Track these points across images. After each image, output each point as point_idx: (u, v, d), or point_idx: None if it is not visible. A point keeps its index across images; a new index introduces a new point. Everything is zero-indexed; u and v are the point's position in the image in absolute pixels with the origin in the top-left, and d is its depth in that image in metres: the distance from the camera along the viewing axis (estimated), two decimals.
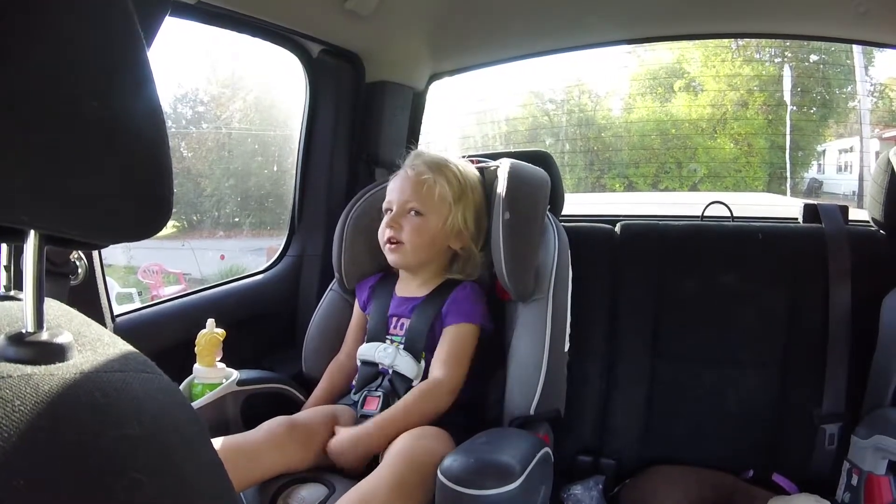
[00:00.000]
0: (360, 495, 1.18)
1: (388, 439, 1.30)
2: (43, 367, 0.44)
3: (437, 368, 1.43)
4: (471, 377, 1.49)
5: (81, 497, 0.39)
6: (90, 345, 0.50)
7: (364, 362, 1.51)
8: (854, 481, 1.56)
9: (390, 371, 1.47)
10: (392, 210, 1.52)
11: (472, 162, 1.64)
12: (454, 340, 1.45)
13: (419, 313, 1.50)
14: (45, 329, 0.47)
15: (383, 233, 1.53)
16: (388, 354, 1.47)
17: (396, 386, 1.45)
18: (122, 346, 0.52)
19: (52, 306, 0.55)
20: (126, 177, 0.47)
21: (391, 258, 1.53)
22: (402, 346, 1.48)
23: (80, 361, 0.47)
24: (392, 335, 1.52)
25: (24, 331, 0.47)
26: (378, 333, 1.53)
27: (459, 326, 1.46)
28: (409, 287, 1.56)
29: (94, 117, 0.44)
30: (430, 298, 1.51)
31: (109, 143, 0.45)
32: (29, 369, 0.43)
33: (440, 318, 1.48)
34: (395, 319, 1.53)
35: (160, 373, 0.51)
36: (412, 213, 1.50)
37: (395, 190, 1.54)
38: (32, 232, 0.47)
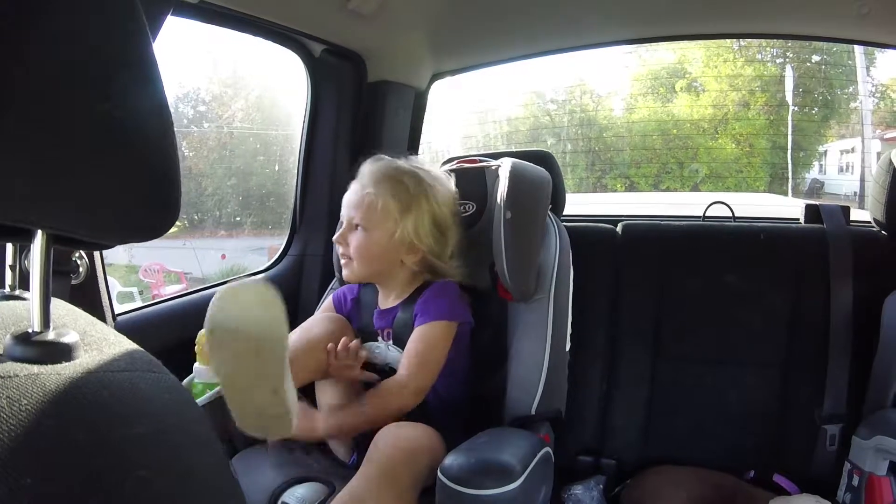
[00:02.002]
0: (352, 493, 1.20)
1: (341, 434, 1.40)
2: (49, 366, 0.44)
3: (402, 367, 1.40)
4: (470, 376, 1.49)
5: (89, 495, 0.39)
6: (96, 344, 0.50)
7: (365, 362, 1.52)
8: (855, 482, 1.56)
9: (386, 367, 1.47)
10: (342, 224, 1.51)
11: (474, 161, 1.63)
12: (420, 340, 1.42)
13: (401, 313, 1.48)
14: (51, 328, 0.48)
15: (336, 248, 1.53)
16: (380, 353, 1.47)
17: None
18: (128, 346, 0.52)
19: (58, 306, 0.55)
20: (134, 177, 0.47)
21: (343, 273, 1.52)
22: (391, 344, 1.48)
23: (86, 361, 0.47)
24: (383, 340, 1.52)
25: (30, 330, 0.47)
26: (371, 336, 1.52)
27: (427, 326, 1.42)
28: (387, 299, 1.53)
29: (101, 117, 0.44)
30: (409, 300, 1.49)
31: (117, 144, 0.46)
32: (36, 368, 0.43)
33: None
34: (380, 331, 1.51)
35: (166, 372, 0.51)
36: (358, 228, 1.47)
37: (344, 204, 1.52)
38: (40, 232, 0.47)
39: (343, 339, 1.38)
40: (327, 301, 1.61)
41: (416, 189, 1.46)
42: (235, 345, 0.99)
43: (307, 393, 1.46)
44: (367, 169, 1.50)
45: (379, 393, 1.37)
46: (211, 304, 0.94)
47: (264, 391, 1.04)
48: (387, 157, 1.52)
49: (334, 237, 1.50)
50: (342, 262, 1.51)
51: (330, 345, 1.37)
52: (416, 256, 1.47)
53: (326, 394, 1.44)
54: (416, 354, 1.40)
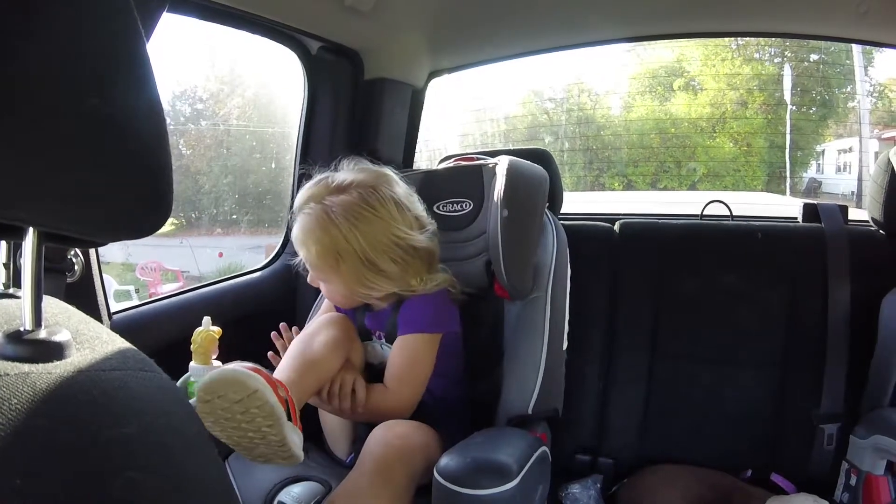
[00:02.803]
0: (347, 490, 1.19)
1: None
2: (41, 365, 0.44)
3: (386, 378, 1.39)
4: (465, 375, 1.49)
5: (78, 496, 0.38)
6: (88, 343, 0.50)
7: None
8: (852, 481, 1.56)
9: (382, 367, 1.46)
10: None
11: (471, 159, 1.63)
12: (401, 353, 1.39)
13: (392, 316, 1.46)
14: (43, 327, 0.47)
15: None
16: (377, 353, 1.47)
17: None
18: (121, 344, 0.51)
19: (51, 304, 0.54)
20: (125, 175, 0.47)
21: None
22: (384, 343, 1.47)
23: (78, 360, 0.46)
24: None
25: (22, 329, 0.47)
26: (366, 335, 1.51)
27: (409, 338, 1.40)
28: (379, 303, 1.49)
29: (93, 114, 0.44)
30: (397, 303, 1.45)
31: (109, 141, 0.45)
32: (26, 367, 0.43)
33: None
34: (374, 332, 1.50)
35: (159, 371, 0.51)
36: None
37: None
38: (31, 229, 0.47)
39: (338, 380, 1.35)
40: (328, 303, 1.59)
41: (339, 236, 1.33)
42: (228, 421, 1.07)
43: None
44: (297, 209, 1.39)
45: (376, 394, 1.36)
46: (200, 390, 1.06)
47: (269, 444, 1.09)
48: (317, 183, 1.41)
49: (308, 280, 1.44)
50: None
51: (323, 392, 1.34)
52: (379, 291, 1.40)
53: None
54: (397, 368, 1.39)
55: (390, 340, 1.45)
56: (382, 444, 1.23)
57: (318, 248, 1.33)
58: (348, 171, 1.41)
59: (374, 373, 1.45)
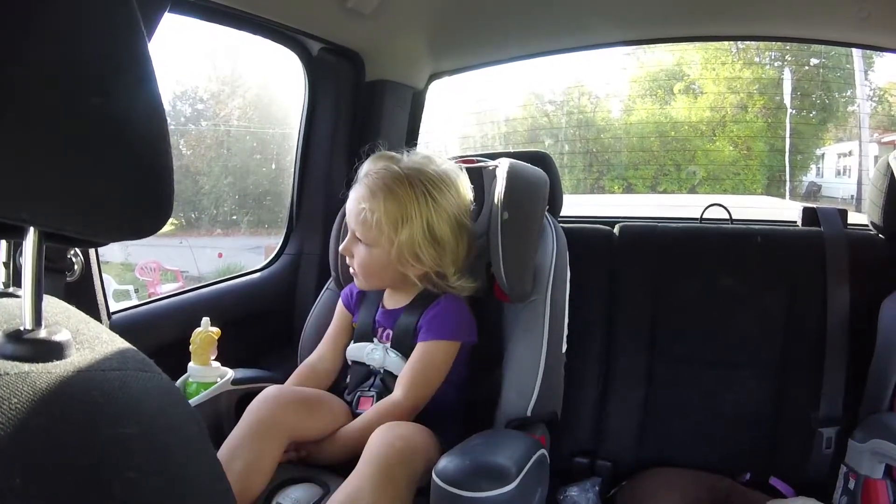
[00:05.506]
0: (348, 492, 1.18)
1: (347, 452, 1.31)
2: (40, 364, 0.44)
3: (400, 387, 1.39)
4: (466, 379, 1.49)
5: (78, 496, 0.38)
6: (88, 343, 0.50)
7: (354, 362, 1.51)
8: (851, 485, 1.56)
9: (382, 370, 1.46)
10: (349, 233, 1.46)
11: (471, 162, 1.62)
12: (421, 359, 1.40)
13: (404, 316, 1.47)
14: (43, 326, 0.47)
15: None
16: (377, 356, 1.46)
17: (389, 385, 1.43)
18: (121, 345, 0.51)
19: (51, 303, 0.54)
20: (126, 175, 0.47)
21: (356, 282, 1.50)
22: (389, 346, 1.47)
23: (77, 359, 0.46)
24: (379, 341, 1.50)
25: (22, 328, 0.47)
26: (366, 335, 1.51)
27: (430, 344, 1.41)
28: (394, 299, 1.51)
29: (95, 115, 0.44)
30: (413, 305, 1.47)
31: (110, 141, 0.45)
32: (26, 367, 0.43)
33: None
34: (381, 329, 1.50)
35: (159, 372, 0.51)
36: (360, 241, 1.43)
37: (346, 211, 1.46)
38: (32, 229, 0.47)
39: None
40: (339, 307, 1.59)
41: (411, 198, 1.39)
42: None
43: None
44: (364, 174, 1.44)
45: (374, 417, 1.36)
46: None
47: None
48: (389, 154, 1.47)
49: (341, 248, 1.46)
50: (351, 271, 1.48)
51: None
52: (419, 270, 1.43)
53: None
54: (414, 373, 1.39)
55: (397, 343, 1.45)
56: (384, 446, 1.22)
57: (389, 206, 1.38)
58: (413, 153, 1.49)
59: (365, 373, 1.46)
